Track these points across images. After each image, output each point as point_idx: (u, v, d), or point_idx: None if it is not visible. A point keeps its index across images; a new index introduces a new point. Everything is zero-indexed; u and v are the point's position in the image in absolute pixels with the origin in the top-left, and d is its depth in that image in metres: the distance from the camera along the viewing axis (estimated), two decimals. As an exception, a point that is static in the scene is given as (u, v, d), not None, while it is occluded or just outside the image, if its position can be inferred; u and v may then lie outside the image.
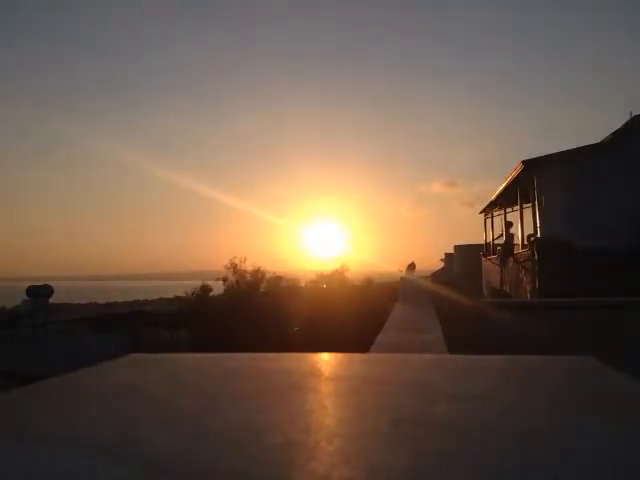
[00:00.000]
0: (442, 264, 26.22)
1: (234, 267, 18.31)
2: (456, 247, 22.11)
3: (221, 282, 18.45)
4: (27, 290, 21.99)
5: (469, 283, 17.05)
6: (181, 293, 20.53)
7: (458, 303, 6.79)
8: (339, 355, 1.12)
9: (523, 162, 11.68)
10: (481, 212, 18.07)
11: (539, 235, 11.55)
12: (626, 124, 11.69)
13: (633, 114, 11.64)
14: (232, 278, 18.29)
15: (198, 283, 19.22)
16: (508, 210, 15.62)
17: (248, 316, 16.07)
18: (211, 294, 19.02)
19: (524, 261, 12.34)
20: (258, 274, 18.39)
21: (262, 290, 18.35)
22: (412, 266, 8.07)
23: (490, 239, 17.03)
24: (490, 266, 16.16)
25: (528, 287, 11.64)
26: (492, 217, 17.16)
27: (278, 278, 18.80)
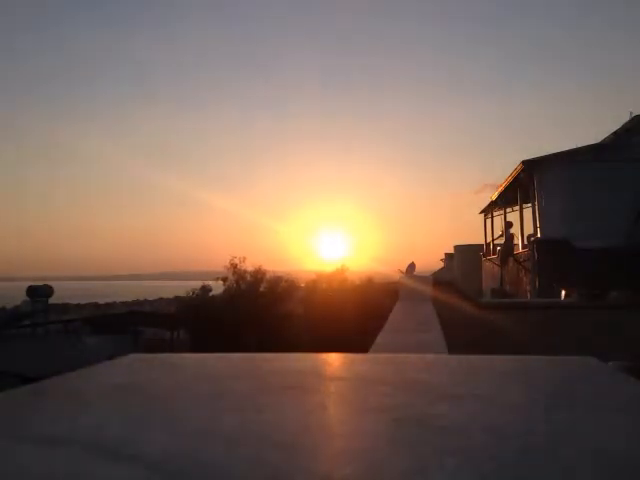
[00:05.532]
0: (442, 264, 26.21)
1: (234, 267, 18.31)
2: (456, 247, 22.10)
3: (221, 282, 18.43)
4: (27, 290, 21.99)
5: (469, 283, 17.05)
6: (181, 293, 20.54)
7: (458, 302, 6.79)
8: (339, 355, 1.12)
9: (523, 162, 11.69)
10: (481, 212, 18.08)
11: (539, 235, 11.56)
12: (626, 124, 11.69)
13: (633, 114, 11.64)
14: (232, 278, 18.29)
15: (198, 283, 19.22)
16: (508, 210, 15.62)
17: (248, 316, 16.06)
18: (211, 294, 19.02)
19: (524, 261, 12.34)
20: (258, 274, 18.38)
21: (262, 290, 18.34)
22: (412, 266, 8.07)
23: (490, 239, 17.03)
24: (490, 266, 16.17)
25: (528, 287, 11.64)
26: (492, 217, 17.17)
27: (278, 278, 18.79)
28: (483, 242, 18.05)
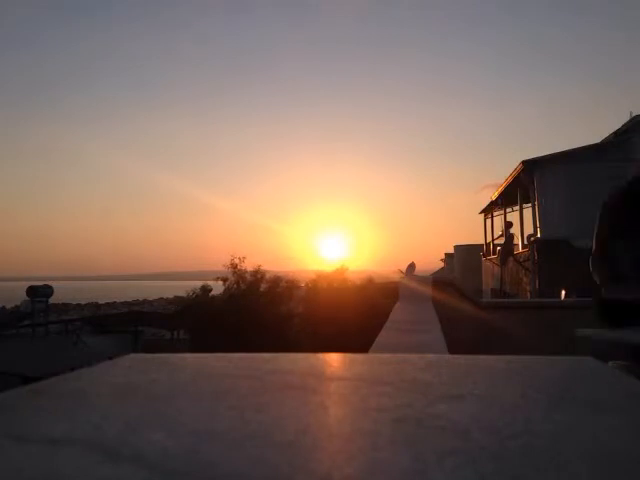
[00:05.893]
0: (442, 264, 26.22)
1: (234, 267, 18.31)
2: (456, 247, 22.12)
3: (221, 282, 18.43)
4: (27, 290, 22.04)
5: (469, 283, 17.06)
6: (181, 293, 20.54)
7: (458, 302, 6.79)
8: (339, 355, 1.12)
9: (523, 162, 11.69)
10: (481, 212, 18.08)
11: (539, 235, 11.56)
12: (626, 124, 11.70)
13: (633, 114, 11.65)
14: (232, 278, 18.29)
15: (198, 283, 19.22)
16: (508, 210, 15.63)
17: (248, 316, 16.07)
18: (211, 294, 19.02)
19: (524, 261, 12.35)
20: (258, 274, 18.38)
21: (262, 290, 18.34)
22: (412, 266, 8.06)
23: (490, 239, 17.03)
24: (490, 266, 16.17)
25: (528, 287, 11.64)
26: (492, 217, 17.17)
27: (278, 278, 18.79)
28: (483, 242, 18.05)
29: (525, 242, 12.85)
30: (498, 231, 15.54)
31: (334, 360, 1.10)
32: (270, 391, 0.79)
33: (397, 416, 0.65)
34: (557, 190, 11.32)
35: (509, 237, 13.95)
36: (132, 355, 1.11)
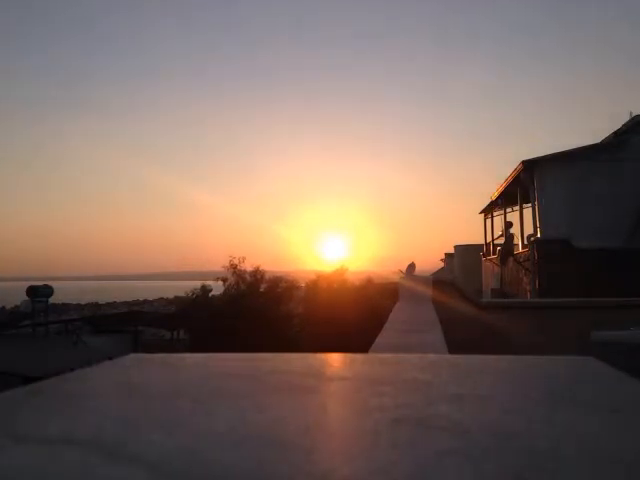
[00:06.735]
0: (442, 264, 26.20)
1: (234, 268, 18.31)
2: (456, 247, 22.10)
3: (221, 282, 18.42)
4: (27, 290, 22.01)
5: (469, 283, 17.05)
6: (181, 293, 20.54)
7: (458, 302, 6.79)
8: (339, 355, 1.12)
9: (523, 162, 11.68)
10: (481, 212, 18.07)
11: (539, 235, 11.55)
12: (626, 124, 11.69)
13: (633, 114, 11.64)
14: (232, 279, 18.28)
15: (198, 283, 19.21)
16: (508, 210, 15.62)
17: (247, 316, 16.06)
18: (211, 294, 19.01)
19: (524, 261, 12.34)
20: (257, 274, 18.38)
21: (262, 290, 18.33)
22: (412, 266, 8.06)
23: (490, 239, 17.02)
24: (490, 266, 16.16)
25: (528, 287, 11.63)
26: (492, 217, 17.16)
27: (278, 278, 18.79)
28: (483, 242, 18.05)
29: (525, 242, 12.85)
30: (498, 231, 15.54)
31: (334, 360, 1.10)
32: (270, 391, 0.79)
33: (397, 416, 0.65)
34: (557, 190, 11.32)
35: (509, 237, 13.96)
36: (132, 355, 1.11)
